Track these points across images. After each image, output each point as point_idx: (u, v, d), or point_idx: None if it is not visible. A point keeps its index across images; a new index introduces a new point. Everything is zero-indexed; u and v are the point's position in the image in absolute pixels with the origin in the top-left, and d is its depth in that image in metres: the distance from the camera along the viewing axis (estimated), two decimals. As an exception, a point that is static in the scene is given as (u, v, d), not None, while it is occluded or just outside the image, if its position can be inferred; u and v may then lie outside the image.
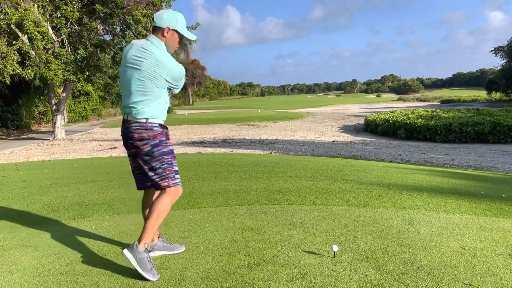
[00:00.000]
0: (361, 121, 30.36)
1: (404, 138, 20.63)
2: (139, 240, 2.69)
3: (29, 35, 16.10)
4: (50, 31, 17.23)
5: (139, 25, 17.68)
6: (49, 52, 17.48)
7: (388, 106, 56.80)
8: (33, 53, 16.70)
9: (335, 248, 2.88)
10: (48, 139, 19.69)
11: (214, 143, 17.66)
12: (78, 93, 29.87)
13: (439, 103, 63.10)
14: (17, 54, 16.33)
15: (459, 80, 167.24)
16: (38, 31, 16.18)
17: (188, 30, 2.97)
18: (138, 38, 15.26)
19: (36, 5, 16.86)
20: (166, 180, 2.80)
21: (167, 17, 2.81)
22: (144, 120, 2.75)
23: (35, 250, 3.31)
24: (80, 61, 17.76)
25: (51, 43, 17.23)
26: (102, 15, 17.30)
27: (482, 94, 71.72)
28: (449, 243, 3.14)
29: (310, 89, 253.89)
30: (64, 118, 21.12)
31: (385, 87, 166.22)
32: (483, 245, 3.11)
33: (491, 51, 53.98)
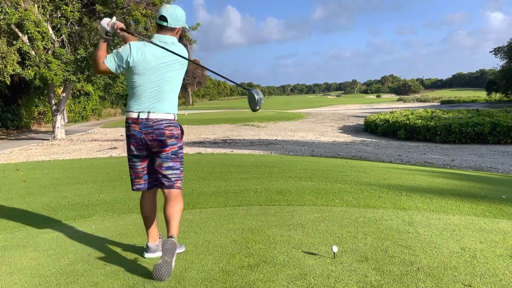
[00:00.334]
0: (361, 121, 30.37)
1: (404, 139, 20.64)
2: (171, 234, 2.79)
3: (29, 35, 16.10)
4: (50, 31, 17.24)
5: (139, 25, 17.69)
6: (49, 52, 17.48)
7: (388, 106, 56.80)
8: (33, 53, 16.69)
9: (335, 249, 2.88)
10: (48, 139, 19.68)
11: (214, 143, 17.67)
12: (78, 93, 29.84)
13: (439, 103, 63.13)
14: (17, 54, 16.33)
15: (459, 81, 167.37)
16: (38, 31, 16.18)
17: (187, 30, 3.02)
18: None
19: (36, 5, 16.85)
20: (180, 182, 2.92)
21: (181, 17, 2.89)
22: (173, 117, 2.85)
23: (35, 250, 3.31)
24: (80, 61, 17.76)
25: (51, 43, 17.23)
26: (102, 15, 17.30)
27: (482, 94, 71.71)
28: (449, 244, 3.15)
29: (310, 89, 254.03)
30: (64, 118, 21.12)
31: (385, 87, 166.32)
32: (483, 246, 3.11)
33: (491, 51, 53.96)
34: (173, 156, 2.85)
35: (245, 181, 6.07)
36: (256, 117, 32.99)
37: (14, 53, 16.03)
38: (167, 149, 2.82)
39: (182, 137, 2.93)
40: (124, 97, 39.60)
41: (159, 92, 2.78)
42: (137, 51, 2.77)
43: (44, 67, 16.68)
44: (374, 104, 70.43)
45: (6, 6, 15.53)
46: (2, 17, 15.34)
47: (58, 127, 19.85)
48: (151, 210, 3.03)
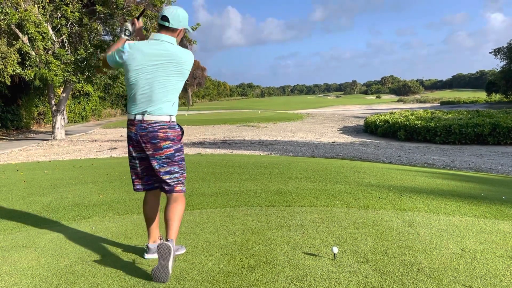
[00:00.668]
0: (361, 122, 30.38)
1: (404, 140, 20.64)
2: (170, 237, 2.76)
3: (29, 36, 16.10)
4: (51, 32, 17.24)
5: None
6: (49, 52, 17.48)
7: (388, 107, 56.84)
8: (33, 53, 16.70)
9: (335, 250, 2.88)
10: (48, 140, 19.68)
11: (214, 144, 17.67)
12: (78, 93, 29.87)
13: (439, 104, 63.22)
14: (17, 55, 16.32)
15: (459, 82, 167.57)
16: (38, 32, 16.18)
17: (189, 31, 3.02)
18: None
19: (36, 6, 16.86)
20: (181, 185, 2.87)
21: (184, 18, 2.87)
22: (168, 119, 2.79)
23: (35, 251, 3.31)
24: (80, 62, 17.77)
25: (51, 43, 17.24)
26: (102, 15, 17.32)
27: (482, 95, 71.78)
28: (449, 245, 3.15)
29: (310, 90, 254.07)
30: (64, 118, 21.12)
31: (385, 88, 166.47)
32: (483, 247, 3.12)
33: (491, 52, 54.03)
34: (169, 160, 2.80)
35: (245, 182, 6.07)
36: (256, 117, 33.01)
37: (14, 54, 16.02)
38: (161, 152, 2.78)
39: (181, 138, 2.90)
40: (124, 98, 39.64)
41: (151, 91, 2.75)
42: (129, 47, 2.80)
43: (44, 68, 16.68)
44: (374, 105, 70.49)
45: (6, 6, 15.53)
46: (2, 17, 15.34)
47: (58, 128, 19.85)
48: (152, 210, 3.03)
